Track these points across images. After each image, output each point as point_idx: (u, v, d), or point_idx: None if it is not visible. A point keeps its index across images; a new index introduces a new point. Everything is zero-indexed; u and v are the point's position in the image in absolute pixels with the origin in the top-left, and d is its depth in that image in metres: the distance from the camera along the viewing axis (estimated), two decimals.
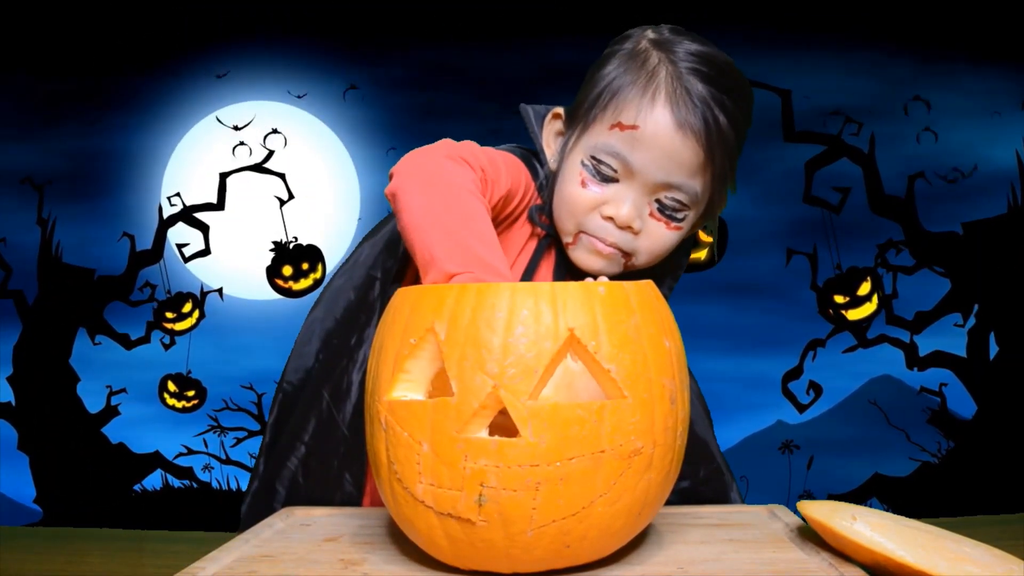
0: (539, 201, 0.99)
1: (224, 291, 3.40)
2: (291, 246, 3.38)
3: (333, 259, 3.39)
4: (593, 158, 0.92)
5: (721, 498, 1.05)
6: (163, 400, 3.37)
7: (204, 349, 3.39)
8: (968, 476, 3.15)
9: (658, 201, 0.92)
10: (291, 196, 3.40)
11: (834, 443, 3.24)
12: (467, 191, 0.84)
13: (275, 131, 3.36)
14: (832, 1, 3.22)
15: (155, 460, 3.38)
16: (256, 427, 3.36)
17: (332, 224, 3.40)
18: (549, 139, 1.01)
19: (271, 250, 3.38)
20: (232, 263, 3.41)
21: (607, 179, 0.92)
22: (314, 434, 1.02)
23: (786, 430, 3.28)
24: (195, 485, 3.37)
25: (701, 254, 3.19)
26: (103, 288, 3.40)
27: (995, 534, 2.22)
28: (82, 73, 3.39)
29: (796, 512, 0.80)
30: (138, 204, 3.40)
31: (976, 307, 3.20)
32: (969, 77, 3.22)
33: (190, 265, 3.41)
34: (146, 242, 3.39)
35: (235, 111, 3.41)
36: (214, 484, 3.37)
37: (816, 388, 3.26)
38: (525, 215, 0.98)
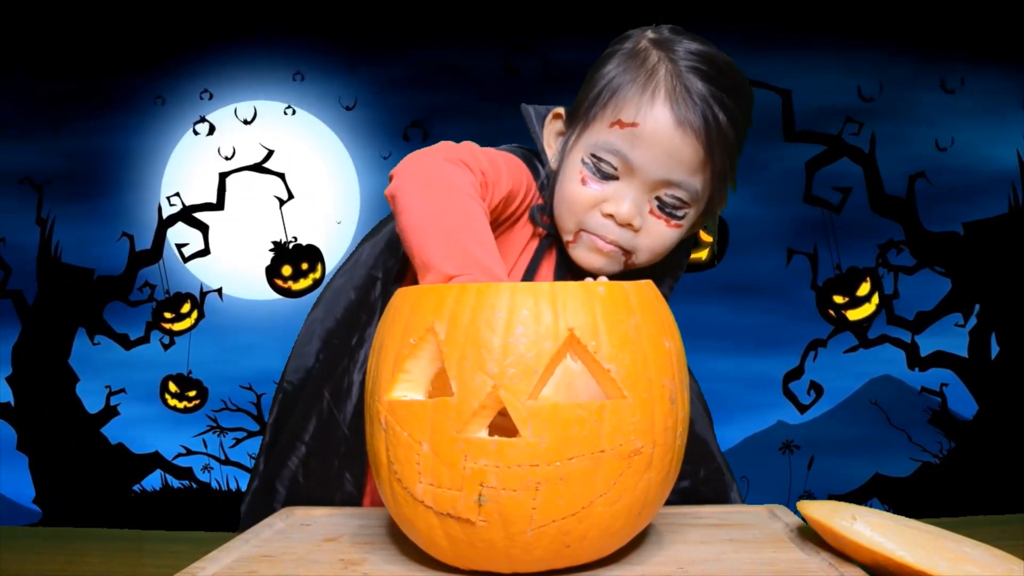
0: (540, 201, 1.00)
1: (224, 291, 3.40)
2: (290, 246, 3.38)
3: (332, 259, 3.39)
4: (593, 156, 0.92)
5: (721, 498, 1.05)
6: (164, 401, 3.37)
7: (204, 349, 3.39)
8: (969, 476, 3.15)
9: (658, 199, 0.93)
10: (291, 196, 3.40)
11: (835, 443, 3.24)
12: (466, 194, 0.84)
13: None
14: (832, 1, 3.22)
15: (154, 460, 3.38)
16: (255, 427, 3.36)
17: (332, 224, 3.40)
18: (550, 139, 1.01)
19: (270, 250, 3.38)
20: (231, 263, 3.41)
21: (607, 177, 0.92)
22: (315, 434, 1.02)
23: (787, 430, 3.28)
24: (194, 485, 3.37)
25: (702, 254, 3.19)
26: (102, 288, 3.40)
27: (995, 534, 2.22)
28: (82, 73, 3.39)
29: (796, 512, 0.80)
30: (137, 204, 3.40)
31: (977, 307, 3.20)
32: (970, 77, 3.22)
33: (189, 265, 3.41)
34: (145, 242, 3.39)
35: (234, 110, 3.41)
36: (213, 484, 3.37)
37: (817, 388, 3.26)
38: (527, 215, 0.98)
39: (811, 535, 0.78)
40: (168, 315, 3.38)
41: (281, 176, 3.40)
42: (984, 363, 3.19)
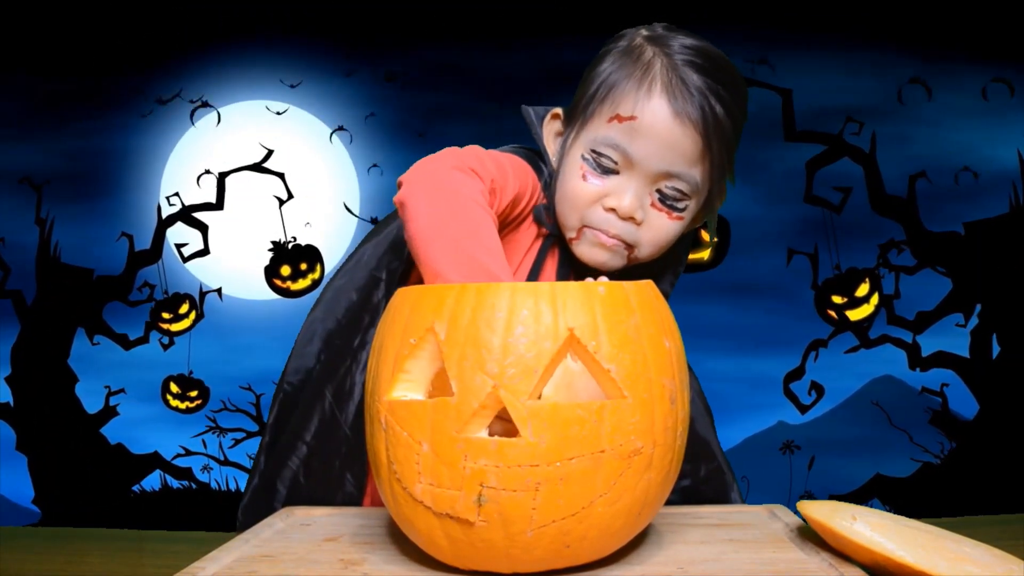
0: (544, 201, 1.00)
1: (223, 291, 3.40)
2: (290, 246, 3.38)
3: (332, 260, 3.39)
4: (593, 151, 0.93)
5: (722, 497, 1.05)
6: (166, 402, 3.37)
7: (204, 349, 3.39)
8: (970, 477, 3.14)
9: (659, 192, 0.93)
10: (290, 196, 3.40)
11: (835, 443, 3.24)
12: (475, 202, 0.84)
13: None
14: (833, 1, 3.22)
15: (154, 461, 3.38)
16: (254, 428, 3.36)
17: (331, 224, 3.40)
18: (549, 139, 1.02)
19: (269, 250, 3.38)
20: (231, 263, 3.40)
21: (608, 171, 0.93)
22: (316, 434, 1.02)
23: (787, 430, 3.28)
24: (194, 486, 3.37)
25: (704, 254, 3.19)
26: (102, 288, 3.39)
27: (995, 534, 2.21)
28: (82, 73, 3.39)
29: (796, 512, 0.80)
30: (137, 204, 3.40)
31: (978, 307, 3.20)
32: (971, 77, 3.22)
33: (189, 265, 3.41)
34: (145, 242, 3.39)
35: (235, 110, 3.41)
36: (213, 485, 3.37)
37: (818, 388, 3.26)
38: (531, 216, 0.99)
39: (811, 535, 0.77)
40: (166, 315, 3.37)
41: (281, 176, 3.40)
42: (985, 363, 3.19)
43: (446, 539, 0.67)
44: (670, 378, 0.69)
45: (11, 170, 3.38)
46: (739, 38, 3.15)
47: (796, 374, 3.26)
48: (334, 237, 3.40)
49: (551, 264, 1.01)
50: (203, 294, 3.39)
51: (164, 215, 3.40)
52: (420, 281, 1.01)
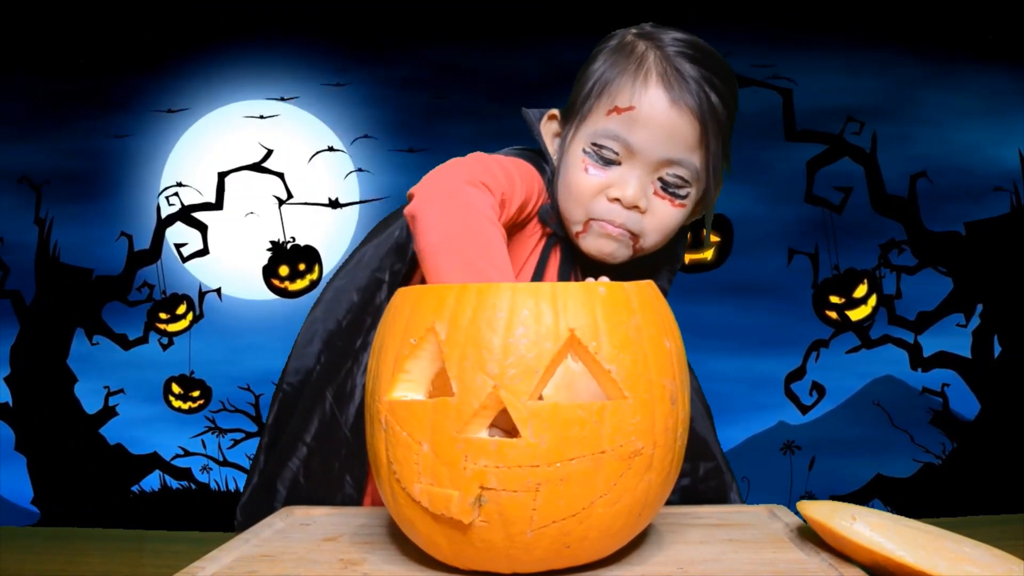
0: (548, 201, 1.01)
1: (223, 291, 3.40)
2: (288, 246, 3.38)
3: (331, 260, 3.39)
4: (594, 144, 0.95)
5: (721, 496, 1.05)
6: (169, 403, 3.37)
7: (203, 349, 3.39)
8: (971, 477, 3.14)
9: (661, 180, 0.95)
10: (290, 195, 3.40)
11: (836, 444, 3.24)
12: (486, 218, 0.86)
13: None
14: (836, 1, 3.22)
15: (153, 461, 3.38)
16: (253, 428, 3.36)
17: (331, 225, 3.40)
18: (547, 139, 1.03)
19: (268, 249, 3.38)
20: (231, 263, 3.40)
21: (609, 163, 0.94)
22: (316, 435, 1.02)
23: (788, 431, 3.28)
24: (193, 486, 3.37)
25: (707, 254, 3.19)
26: (101, 288, 3.39)
27: (995, 534, 2.21)
28: (82, 73, 3.39)
29: (796, 512, 0.80)
30: (136, 204, 3.40)
31: (980, 307, 3.19)
32: (973, 77, 3.22)
33: (188, 265, 3.41)
34: (144, 242, 3.39)
35: (234, 110, 3.41)
36: (212, 485, 3.37)
37: (819, 389, 3.26)
38: (536, 216, 1.00)
39: (811, 535, 0.77)
40: (163, 315, 3.37)
41: (280, 176, 3.40)
42: (986, 363, 3.19)
43: (445, 539, 0.67)
44: (671, 379, 0.69)
45: (10, 170, 3.38)
46: (739, 38, 3.15)
47: (797, 374, 3.26)
48: (334, 238, 3.39)
49: (554, 264, 1.02)
50: (202, 294, 3.39)
51: (163, 215, 3.39)
52: (423, 282, 1.01)
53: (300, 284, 3.35)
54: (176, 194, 3.39)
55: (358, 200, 3.36)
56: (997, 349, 3.19)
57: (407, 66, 3.38)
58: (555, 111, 1.03)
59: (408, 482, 0.67)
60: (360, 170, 3.34)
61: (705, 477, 1.06)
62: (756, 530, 0.82)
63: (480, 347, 0.65)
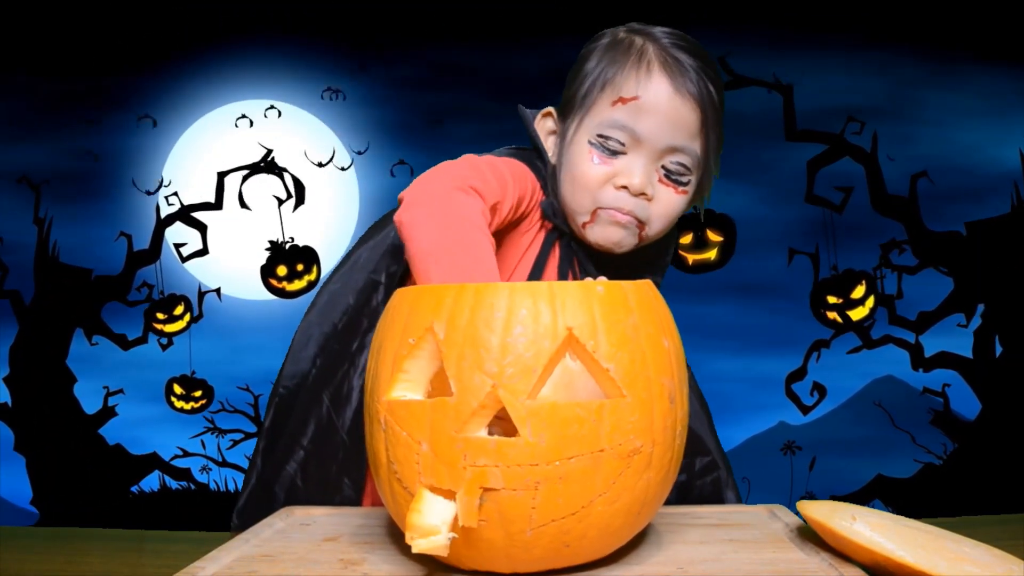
0: (543, 197, 1.02)
1: (222, 291, 3.40)
2: (287, 246, 3.38)
3: (329, 262, 3.38)
4: (600, 135, 0.96)
5: (717, 491, 1.06)
6: (171, 403, 3.36)
7: (203, 349, 3.39)
8: (971, 477, 3.14)
9: (664, 168, 0.97)
10: (289, 195, 3.40)
11: (837, 444, 3.24)
12: (475, 226, 0.86)
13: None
14: (838, 1, 3.22)
15: (152, 461, 3.37)
16: (252, 429, 3.36)
17: (331, 226, 3.39)
18: (542, 136, 1.05)
19: (267, 249, 3.37)
20: (230, 263, 3.40)
21: (615, 153, 0.96)
22: (313, 438, 1.02)
23: (789, 431, 3.28)
24: (192, 487, 3.37)
25: (711, 254, 3.19)
26: (100, 288, 3.39)
27: (995, 534, 2.21)
28: (82, 73, 3.39)
29: (796, 512, 0.80)
30: (136, 204, 3.40)
31: (981, 307, 3.19)
32: (975, 77, 3.22)
33: (188, 265, 3.41)
34: (143, 242, 3.39)
35: (234, 110, 3.41)
36: (212, 486, 3.37)
37: (820, 389, 3.26)
38: (533, 214, 1.01)
39: (811, 535, 0.77)
40: (161, 316, 3.37)
41: (280, 175, 3.40)
42: (988, 363, 3.19)
43: None
44: (669, 377, 0.69)
45: (10, 169, 3.38)
46: (740, 38, 3.15)
47: (798, 374, 3.26)
48: (333, 238, 3.39)
49: (553, 261, 1.02)
50: (202, 294, 3.39)
51: (163, 215, 3.39)
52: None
53: (298, 284, 3.35)
54: (175, 194, 3.39)
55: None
56: (998, 349, 3.19)
57: (407, 66, 3.38)
58: (550, 109, 1.04)
59: (409, 482, 0.67)
60: (329, 161, 3.33)
61: (701, 472, 1.07)
62: (756, 530, 0.82)
63: (478, 347, 0.65)
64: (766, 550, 0.75)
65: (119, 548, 2.81)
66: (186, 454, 3.37)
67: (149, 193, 3.35)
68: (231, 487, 3.37)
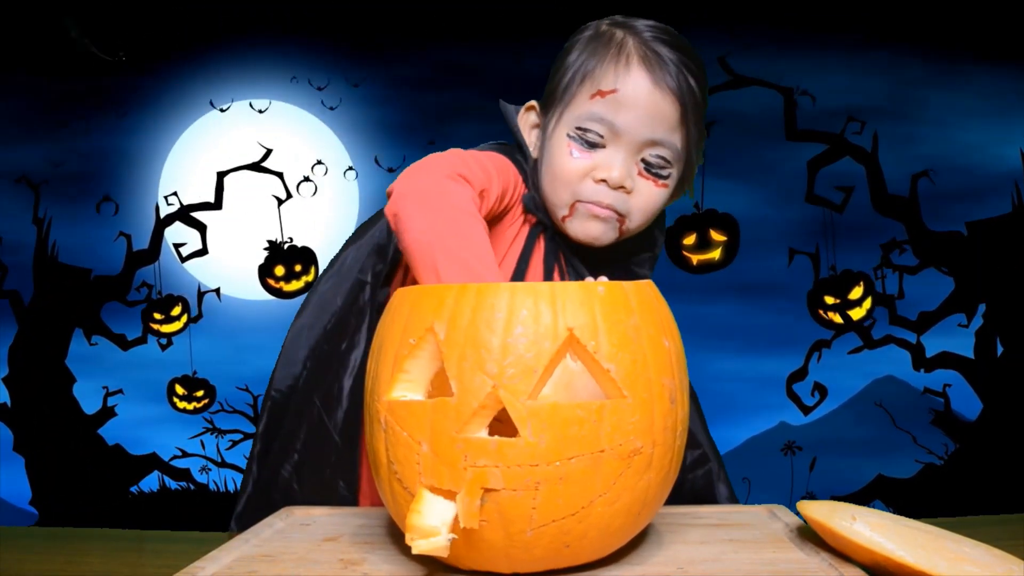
0: (525, 190, 1.03)
1: (221, 291, 3.40)
2: (285, 246, 3.37)
3: (327, 263, 3.38)
4: (578, 128, 0.97)
5: (708, 484, 1.06)
6: (173, 404, 3.36)
7: (203, 350, 3.38)
8: (972, 477, 3.14)
9: (644, 161, 0.97)
10: (289, 195, 3.40)
11: (838, 444, 3.24)
12: (466, 212, 0.87)
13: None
14: (839, 1, 3.21)
15: (152, 462, 3.37)
16: (252, 429, 3.36)
17: (330, 226, 3.39)
18: (525, 131, 1.05)
19: (265, 248, 3.37)
20: (230, 263, 3.40)
21: (594, 146, 0.96)
22: (306, 442, 1.02)
23: (789, 431, 3.27)
24: (192, 487, 3.37)
25: (715, 254, 3.19)
26: (99, 288, 3.39)
27: (995, 534, 2.21)
28: (82, 73, 3.39)
29: (796, 512, 0.80)
30: (135, 204, 3.40)
31: (982, 307, 3.19)
32: (975, 77, 3.22)
33: (187, 265, 3.40)
34: (143, 242, 3.39)
35: (234, 110, 3.41)
36: (211, 486, 3.37)
37: (821, 389, 3.25)
38: (515, 208, 1.01)
39: (811, 535, 0.77)
40: (158, 316, 3.37)
41: (279, 175, 3.40)
42: (989, 363, 3.18)
43: None
44: (670, 378, 0.69)
45: (9, 169, 3.38)
46: (740, 38, 3.15)
47: (799, 375, 3.26)
48: (333, 239, 3.39)
49: (538, 253, 1.03)
50: (201, 294, 3.39)
51: (162, 215, 3.39)
52: (405, 282, 1.02)
53: (295, 285, 3.34)
54: (175, 193, 3.39)
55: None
56: (999, 349, 3.18)
57: (407, 66, 3.37)
58: (533, 103, 1.05)
59: (409, 482, 0.67)
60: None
61: (692, 466, 1.08)
62: (756, 530, 0.82)
63: (479, 347, 0.65)
64: (766, 550, 0.75)
65: (119, 548, 2.80)
66: (185, 455, 3.37)
67: (167, 198, 3.36)
68: (231, 487, 3.37)
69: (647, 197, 0.98)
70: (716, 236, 3.16)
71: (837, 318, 3.24)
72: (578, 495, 0.64)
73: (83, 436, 3.37)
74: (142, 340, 3.39)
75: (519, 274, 1.00)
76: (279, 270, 3.35)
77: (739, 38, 3.14)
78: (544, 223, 1.02)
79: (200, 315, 3.38)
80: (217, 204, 3.40)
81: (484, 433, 0.65)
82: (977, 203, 3.20)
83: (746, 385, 3.23)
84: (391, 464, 0.68)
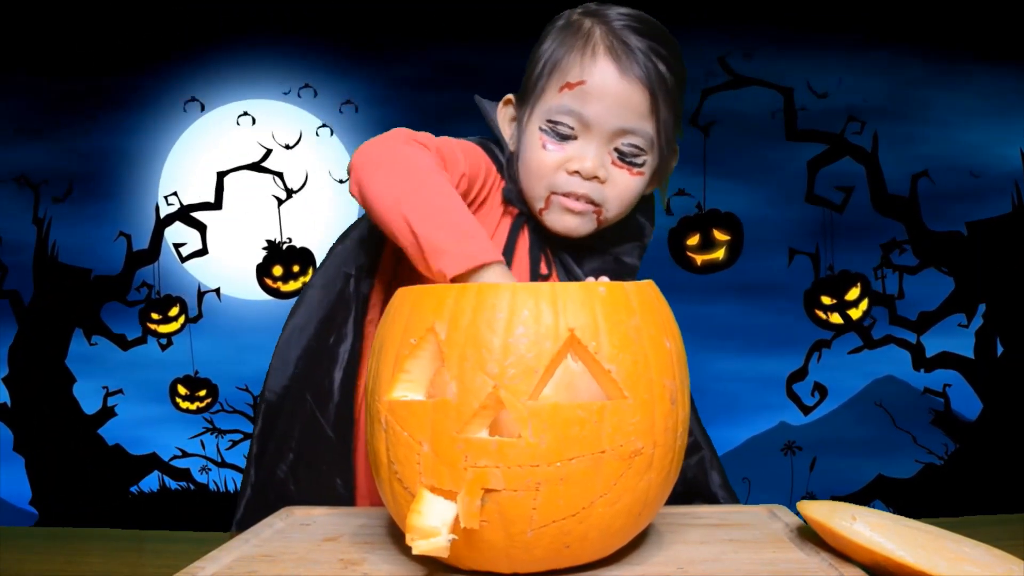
0: (503, 183, 1.03)
1: (221, 291, 3.40)
2: (284, 247, 3.37)
3: None
4: (549, 121, 0.97)
5: (702, 471, 1.06)
6: (176, 404, 3.36)
7: (203, 350, 3.38)
8: (972, 477, 3.14)
9: (617, 150, 0.97)
10: (289, 195, 3.40)
11: (838, 444, 3.24)
12: (431, 168, 0.87)
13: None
14: (839, 1, 3.21)
15: (152, 462, 3.37)
16: (251, 429, 3.35)
17: (330, 227, 3.39)
18: (504, 124, 1.06)
19: (263, 248, 3.37)
20: (230, 263, 3.40)
21: (565, 138, 0.97)
22: (300, 440, 1.02)
23: (789, 431, 3.27)
24: (192, 487, 3.37)
25: (718, 254, 3.19)
26: (99, 288, 3.39)
27: (995, 534, 2.21)
28: (82, 73, 3.38)
29: (796, 512, 0.80)
30: (135, 204, 3.40)
31: (982, 307, 3.19)
32: (976, 77, 3.21)
33: (187, 265, 3.40)
34: (143, 242, 3.39)
35: (234, 110, 3.41)
36: (211, 486, 3.37)
37: (821, 389, 3.25)
38: (491, 199, 1.02)
39: (811, 535, 0.77)
40: (155, 316, 3.37)
41: (279, 175, 3.40)
42: (989, 364, 3.18)
43: None
44: (671, 378, 0.69)
45: (9, 169, 3.38)
46: (740, 38, 3.15)
47: (799, 375, 3.26)
48: (331, 240, 3.39)
49: (523, 245, 1.03)
50: (201, 294, 3.38)
51: (162, 215, 3.39)
52: (391, 272, 1.02)
53: (293, 285, 3.34)
54: (175, 193, 3.39)
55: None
56: (1000, 349, 3.18)
57: (407, 66, 3.37)
58: (510, 96, 1.06)
59: (410, 482, 0.67)
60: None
61: (686, 454, 1.07)
62: (756, 530, 0.82)
63: (480, 347, 0.65)
64: (766, 550, 0.75)
65: (119, 548, 2.81)
66: (185, 455, 3.37)
67: (167, 198, 3.35)
68: (230, 487, 3.37)
69: (622, 186, 0.98)
70: (719, 236, 3.16)
71: (836, 318, 3.24)
72: (579, 496, 0.64)
73: (83, 436, 3.37)
74: (142, 340, 3.39)
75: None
76: (277, 270, 3.35)
77: (739, 38, 3.14)
78: (526, 215, 1.02)
79: (200, 315, 3.38)
80: (217, 204, 3.40)
81: (485, 433, 0.65)
82: (977, 203, 3.20)
83: (746, 385, 3.23)
84: (392, 464, 0.68)
